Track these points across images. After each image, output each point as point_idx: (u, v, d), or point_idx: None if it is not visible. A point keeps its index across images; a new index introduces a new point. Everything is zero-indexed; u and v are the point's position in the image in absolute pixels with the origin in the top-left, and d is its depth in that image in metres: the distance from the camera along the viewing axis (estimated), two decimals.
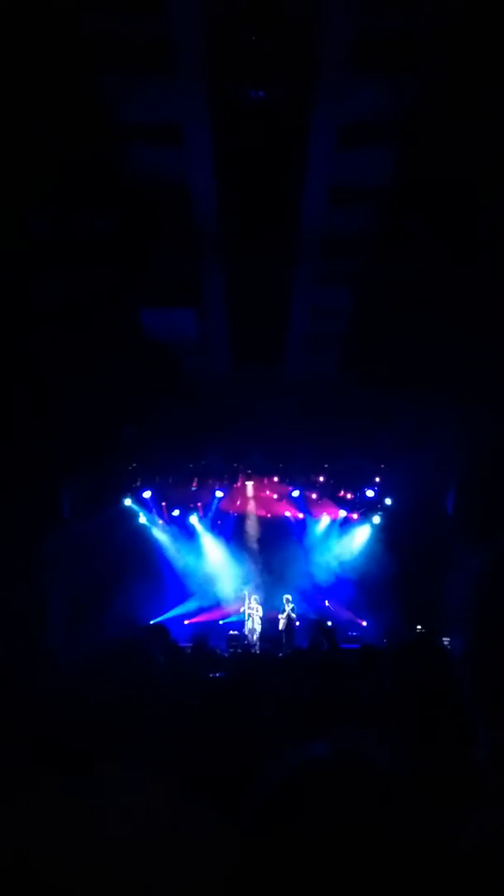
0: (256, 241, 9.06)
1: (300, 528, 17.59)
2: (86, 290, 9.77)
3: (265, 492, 17.58)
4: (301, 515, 17.42)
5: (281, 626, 15.01)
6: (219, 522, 17.38)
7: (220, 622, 16.61)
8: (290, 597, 15.26)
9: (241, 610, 15.76)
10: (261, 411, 14.20)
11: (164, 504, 17.01)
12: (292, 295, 10.68)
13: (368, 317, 11.05)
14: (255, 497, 17.50)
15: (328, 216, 9.01)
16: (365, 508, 17.23)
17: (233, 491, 17.34)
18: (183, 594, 16.83)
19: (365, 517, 17.29)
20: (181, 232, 9.09)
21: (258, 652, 13.01)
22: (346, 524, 17.49)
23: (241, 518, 17.64)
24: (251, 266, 9.67)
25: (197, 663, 6.05)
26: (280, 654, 8.53)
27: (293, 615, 14.97)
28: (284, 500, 17.64)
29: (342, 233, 9.33)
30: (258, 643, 14.93)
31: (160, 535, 17.23)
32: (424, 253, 8.82)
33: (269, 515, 17.44)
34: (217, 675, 4.20)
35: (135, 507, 16.81)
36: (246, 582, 16.65)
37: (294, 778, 0.94)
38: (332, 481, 17.20)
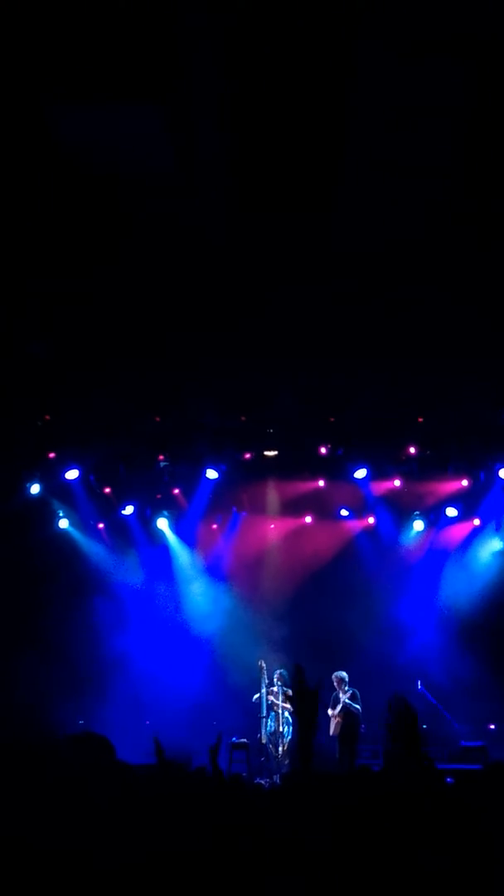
0: None
1: (369, 543, 13.33)
2: None
3: (301, 472, 13.18)
4: (371, 520, 13.28)
5: (333, 728, 10.92)
6: (213, 528, 13.24)
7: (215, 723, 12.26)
8: (344, 676, 11.15)
9: (255, 699, 11.59)
10: (290, 310, 10.21)
11: (107, 491, 12.70)
12: (350, 76, 7.88)
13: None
14: (279, 482, 13.21)
15: None
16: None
17: (237, 469, 12.89)
18: (144, 668, 12.58)
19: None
20: None
21: (285, 776, 9.70)
22: (460, 536, 13.02)
23: (255, 522, 13.52)
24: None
25: (169, 797, 4.05)
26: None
27: (353, 708, 10.83)
28: (337, 488, 13.19)
29: None
30: (285, 759, 11.29)
31: (99, 551, 12.95)
32: None
33: (308, 518, 13.41)
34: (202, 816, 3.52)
35: (50, 498, 12.57)
36: (263, 647, 12.44)
37: None
38: (428, 452, 12.49)
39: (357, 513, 13.07)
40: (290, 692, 11.56)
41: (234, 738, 12.04)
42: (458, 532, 12.69)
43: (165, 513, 12.57)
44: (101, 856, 2.35)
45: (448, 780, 5.57)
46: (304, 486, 12.99)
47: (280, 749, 11.24)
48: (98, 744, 4.22)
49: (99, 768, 4.18)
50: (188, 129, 8.45)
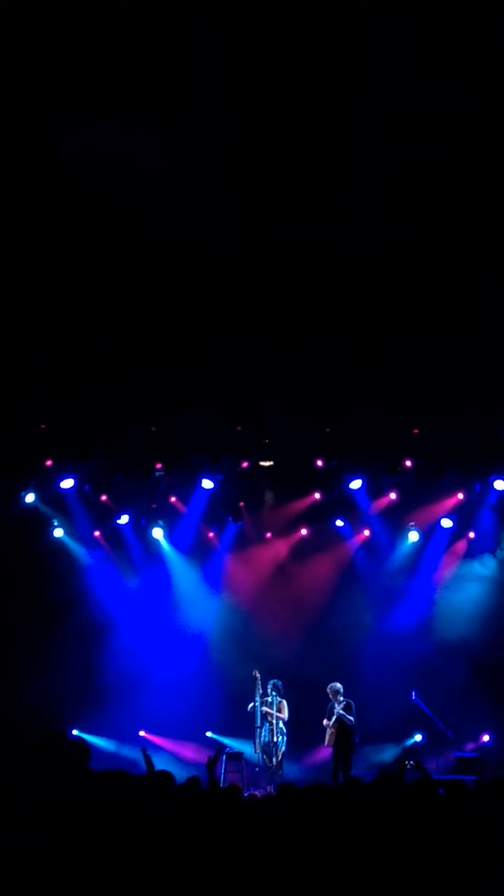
0: None
1: (364, 555, 13.06)
2: None
3: (297, 483, 13.10)
4: (366, 532, 13.01)
5: (328, 739, 10.93)
6: (210, 535, 13.03)
7: (208, 734, 12.26)
8: (339, 687, 11.03)
9: (250, 709, 11.43)
10: (288, 323, 10.40)
11: (103, 498, 12.57)
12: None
13: None
14: (275, 492, 13.14)
15: None
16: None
17: (232, 479, 12.78)
18: (136, 675, 12.29)
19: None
20: None
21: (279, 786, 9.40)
22: (455, 548, 12.86)
23: (251, 532, 13.22)
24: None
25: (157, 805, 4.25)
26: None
27: (347, 720, 10.74)
28: (333, 499, 13.03)
29: None
30: (279, 769, 11.25)
31: (93, 560, 12.76)
32: None
33: (303, 530, 13.11)
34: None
35: (44, 507, 12.31)
36: (257, 658, 12.15)
37: None
38: (424, 464, 12.39)
39: (353, 525, 12.84)
40: (283, 702, 11.36)
41: (227, 749, 11.76)
42: (453, 544, 12.51)
43: (161, 522, 12.33)
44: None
45: (440, 791, 5.51)
46: (300, 497, 12.76)
47: (274, 759, 11.09)
48: (72, 748, 4.16)
49: (69, 772, 3.94)
50: (191, 142, 8.48)
